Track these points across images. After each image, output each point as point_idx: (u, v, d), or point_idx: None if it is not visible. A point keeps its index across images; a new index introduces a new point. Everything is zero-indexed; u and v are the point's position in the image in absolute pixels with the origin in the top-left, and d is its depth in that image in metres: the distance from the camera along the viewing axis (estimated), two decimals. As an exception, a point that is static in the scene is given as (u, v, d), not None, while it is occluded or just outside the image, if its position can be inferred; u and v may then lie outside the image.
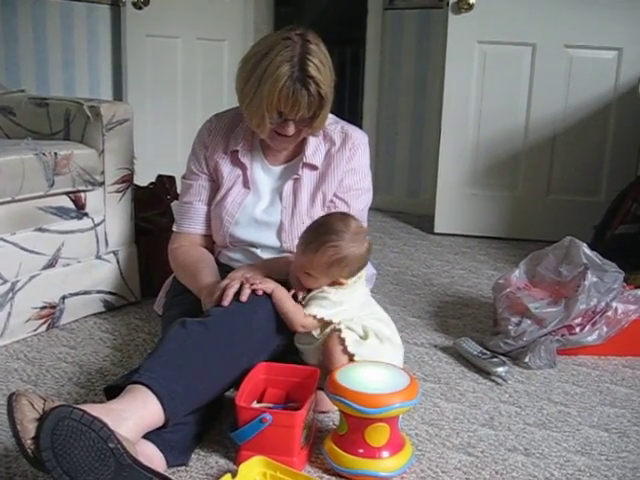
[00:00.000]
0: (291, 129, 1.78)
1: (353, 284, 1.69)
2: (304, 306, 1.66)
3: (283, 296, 1.65)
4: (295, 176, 1.89)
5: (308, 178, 1.90)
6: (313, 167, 1.90)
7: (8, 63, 3.38)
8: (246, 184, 1.91)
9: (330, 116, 1.93)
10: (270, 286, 1.66)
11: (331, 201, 1.90)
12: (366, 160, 1.96)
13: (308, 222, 1.84)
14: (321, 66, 1.74)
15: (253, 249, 1.90)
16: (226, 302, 1.60)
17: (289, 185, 1.90)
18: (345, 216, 1.70)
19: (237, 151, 1.91)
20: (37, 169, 2.07)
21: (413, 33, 4.04)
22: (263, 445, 1.45)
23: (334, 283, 1.67)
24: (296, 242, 1.85)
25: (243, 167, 1.91)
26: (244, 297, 1.61)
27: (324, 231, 1.64)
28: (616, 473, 1.52)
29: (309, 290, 1.69)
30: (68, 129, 2.34)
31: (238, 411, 1.46)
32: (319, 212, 1.88)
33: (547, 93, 3.47)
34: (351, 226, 1.65)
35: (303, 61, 1.71)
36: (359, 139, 1.93)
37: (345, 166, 1.90)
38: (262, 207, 1.90)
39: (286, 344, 1.71)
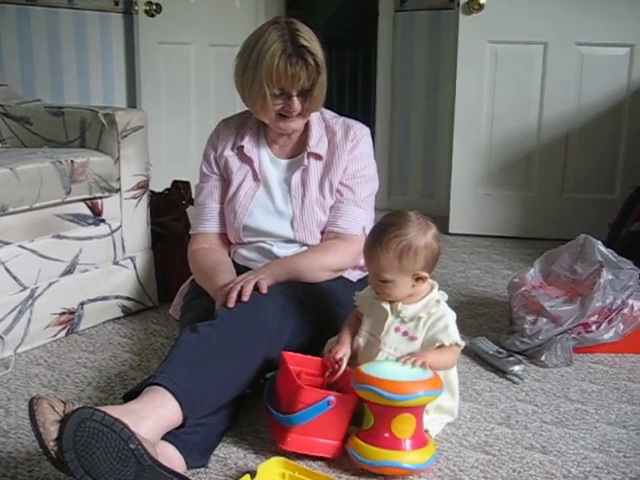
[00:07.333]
0: (296, 105, 1.83)
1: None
2: None
3: None
4: (302, 166, 1.94)
5: (314, 168, 1.94)
6: (318, 156, 1.94)
7: (23, 73, 3.43)
8: (256, 177, 1.96)
9: (331, 112, 2.02)
10: None
11: (337, 190, 1.94)
12: (369, 150, 2.00)
13: (318, 211, 1.91)
14: (310, 39, 1.82)
15: (267, 246, 1.93)
16: (230, 304, 1.64)
17: (297, 176, 1.94)
18: (400, 211, 1.63)
19: (243, 147, 1.96)
20: (54, 177, 2.10)
21: (424, 34, 4.05)
22: (314, 429, 1.48)
23: (417, 280, 1.57)
24: (307, 231, 1.91)
25: (250, 161, 1.96)
26: (245, 297, 1.65)
27: (382, 229, 1.57)
28: (634, 470, 1.52)
29: (391, 302, 1.60)
30: (84, 137, 2.37)
31: (300, 393, 1.47)
32: (329, 200, 1.93)
33: (559, 91, 3.46)
34: (408, 216, 1.58)
35: (293, 36, 1.80)
36: (360, 130, 1.99)
37: (349, 155, 1.94)
38: (273, 198, 1.94)
39: (307, 336, 1.74)
